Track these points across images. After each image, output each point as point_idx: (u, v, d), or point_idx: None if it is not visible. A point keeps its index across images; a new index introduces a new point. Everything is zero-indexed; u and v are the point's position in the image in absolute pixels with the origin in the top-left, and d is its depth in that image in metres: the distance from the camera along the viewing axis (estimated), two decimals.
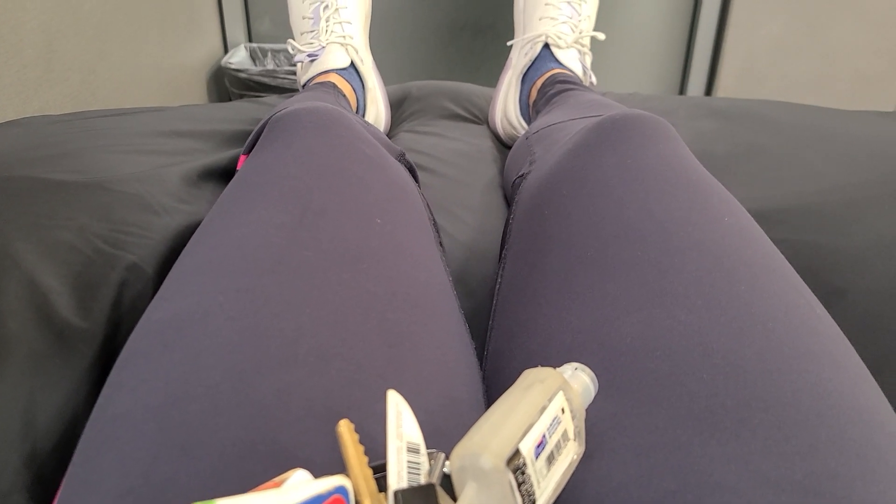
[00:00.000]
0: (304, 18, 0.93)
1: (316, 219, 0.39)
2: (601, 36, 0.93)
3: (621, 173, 0.45)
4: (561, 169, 0.49)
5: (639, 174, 0.44)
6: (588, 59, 0.94)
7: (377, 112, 0.93)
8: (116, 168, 0.54)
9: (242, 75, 1.93)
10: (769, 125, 0.78)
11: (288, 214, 0.39)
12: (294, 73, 1.83)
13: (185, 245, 0.42)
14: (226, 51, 2.09)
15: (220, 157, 0.65)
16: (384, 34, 2.05)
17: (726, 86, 2.06)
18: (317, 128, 0.47)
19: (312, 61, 0.89)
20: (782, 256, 0.40)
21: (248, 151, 0.52)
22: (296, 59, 0.90)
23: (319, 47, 0.89)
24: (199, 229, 0.41)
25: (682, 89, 2.14)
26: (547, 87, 0.85)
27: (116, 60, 1.36)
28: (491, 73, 2.13)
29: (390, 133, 0.98)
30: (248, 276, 0.35)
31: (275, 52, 2.07)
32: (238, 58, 2.00)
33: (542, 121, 0.72)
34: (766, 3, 1.96)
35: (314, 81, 0.86)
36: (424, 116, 1.00)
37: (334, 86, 0.82)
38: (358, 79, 0.90)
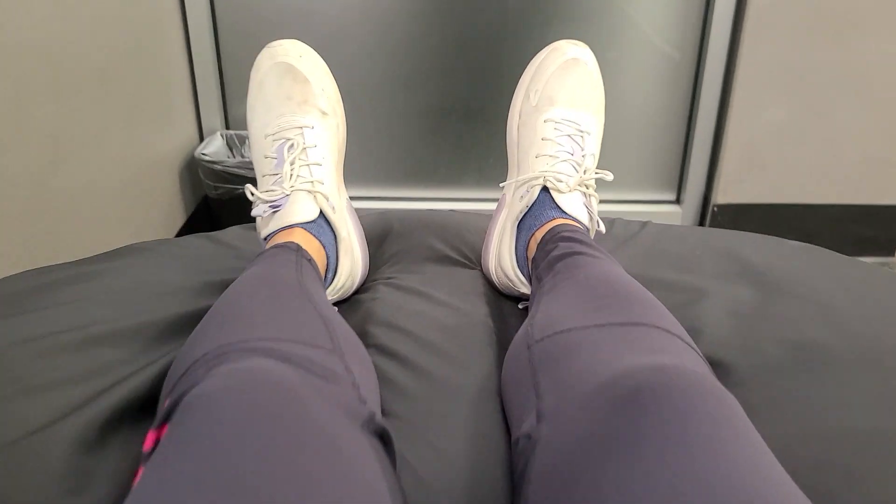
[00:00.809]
0: (265, 158, 0.80)
1: None
2: (608, 177, 0.81)
3: (673, 493, 0.32)
4: (584, 465, 0.36)
5: (698, 496, 0.32)
6: (595, 203, 0.82)
7: (352, 264, 0.80)
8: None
9: (217, 167, 1.81)
10: (823, 312, 0.65)
11: None
12: None
13: None
14: (201, 139, 1.98)
15: (137, 383, 0.51)
16: (369, 117, 1.94)
17: (728, 171, 1.96)
18: (241, 422, 0.34)
19: (275, 212, 0.76)
20: None
21: (159, 426, 0.39)
22: (254, 210, 0.77)
23: (283, 195, 0.76)
24: None
25: (682, 175, 2.04)
26: (548, 245, 0.72)
27: (73, 165, 1.24)
28: (479, 157, 2.03)
29: (368, 280, 0.85)
30: None
31: None
32: (213, 147, 1.89)
33: (546, 311, 0.59)
34: (769, 88, 1.87)
35: (275, 239, 0.73)
36: (408, 259, 0.87)
37: (298, 249, 0.69)
38: (329, 230, 0.77)
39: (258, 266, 0.64)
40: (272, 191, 0.77)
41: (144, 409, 0.51)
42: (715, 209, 2.00)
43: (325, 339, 0.52)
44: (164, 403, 0.45)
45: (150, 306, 0.63)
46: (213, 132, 1.96)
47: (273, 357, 0.44)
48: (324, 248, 0.75)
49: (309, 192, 0.76)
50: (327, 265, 0.76)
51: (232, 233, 0.92)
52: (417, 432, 0.53)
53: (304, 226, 0.74)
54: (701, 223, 2.06)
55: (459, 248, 0.89)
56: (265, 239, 0.76)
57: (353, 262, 0.80)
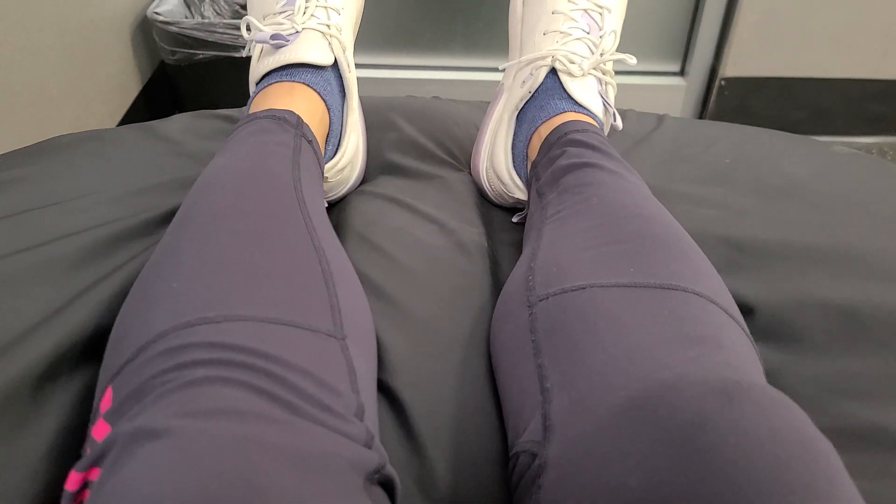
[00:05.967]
0: None
1: None
2: (631, 60, 0.64)
3: None
4: None
5: None
6: (612, 93, 0.67)
7: (356, 146, 0.64)
8: None
9: (173, 29, 1.59)
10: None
11: None
12: (237, 27, 1.50)
13: None
14: None
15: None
16: None
17: (741, 41, 1.79)
18: None
19: (278, 47, 0.59)
20: None
21: (87, 467, 0.29)
22: (249, 40, 0.60)
23: (293, 31, 0.59)
24: None
25: (688, 45, 1.87)
26: (554, 148, 0.58)
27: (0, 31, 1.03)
28: (467, 20, 1.81)
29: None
30: None
31: None
32: (168, 5, 1.65)
33: (550, 251, 0.46)
34: None
35: (270, 97, 0.57)
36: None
37: (298, 125, 0.53)
38: (338, 90, 0.61)
39: (244, 149, 0.49)
40: (279, 24, 0.60)
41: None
42: (722, 83, 1.85)
43: (324, 308, 0.39)
44: (102, 398, 0.32)
45: (53, 231, 0.48)
46: None
47: (251, 370, 0.32)
48: (329, 111, 0.59)
49: (325, 34, 0.60)
50: (329, 134, 0.61)
51: (176, 123, 0.74)
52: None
53: (311, 80, 0.58)
54: (706, 98, 1.91)
55: (445, 144, 0.74)
56: (257, 84, 0.60)
57: (356, 146, 0.64)
